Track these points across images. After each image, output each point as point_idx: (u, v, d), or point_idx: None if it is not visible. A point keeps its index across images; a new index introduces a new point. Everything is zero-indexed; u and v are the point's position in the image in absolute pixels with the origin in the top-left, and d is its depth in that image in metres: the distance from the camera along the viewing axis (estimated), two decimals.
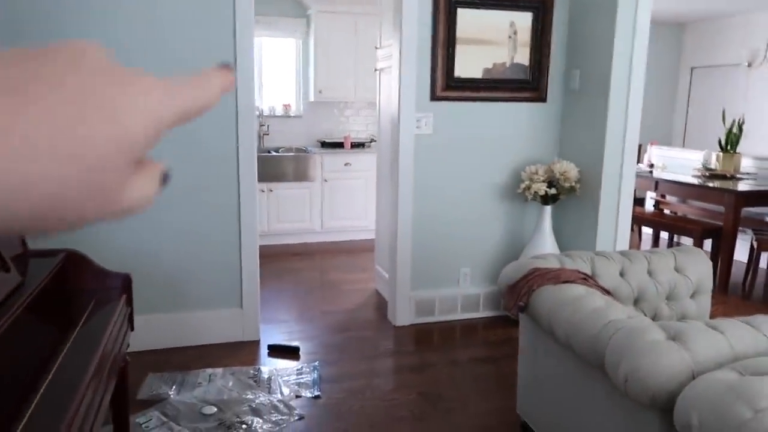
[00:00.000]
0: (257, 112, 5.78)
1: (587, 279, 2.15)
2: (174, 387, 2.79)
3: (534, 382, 2.27)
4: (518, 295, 2.15)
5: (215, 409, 2.59)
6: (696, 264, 2.45)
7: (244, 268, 3.29)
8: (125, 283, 1.96)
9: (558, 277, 2.12)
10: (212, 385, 2.82)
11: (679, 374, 1.48)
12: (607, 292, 2.13)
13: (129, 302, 1.98)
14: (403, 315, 3.64)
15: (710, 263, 2.48)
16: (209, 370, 2.96)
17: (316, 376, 2.94)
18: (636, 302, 2.39)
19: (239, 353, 3.20)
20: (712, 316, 2.60)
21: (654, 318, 2.40)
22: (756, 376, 1.30)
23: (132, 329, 2.04)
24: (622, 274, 2.38)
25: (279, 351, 3.25)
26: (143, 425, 2.47)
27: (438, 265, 3.69)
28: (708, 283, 2.46)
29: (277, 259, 5.15)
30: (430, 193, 3.59)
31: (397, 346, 3.36)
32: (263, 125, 5.83)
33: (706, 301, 2.46)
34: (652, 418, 1.58)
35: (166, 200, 3.11)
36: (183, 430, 2.43)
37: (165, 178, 0.31)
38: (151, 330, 3.20)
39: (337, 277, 4.69)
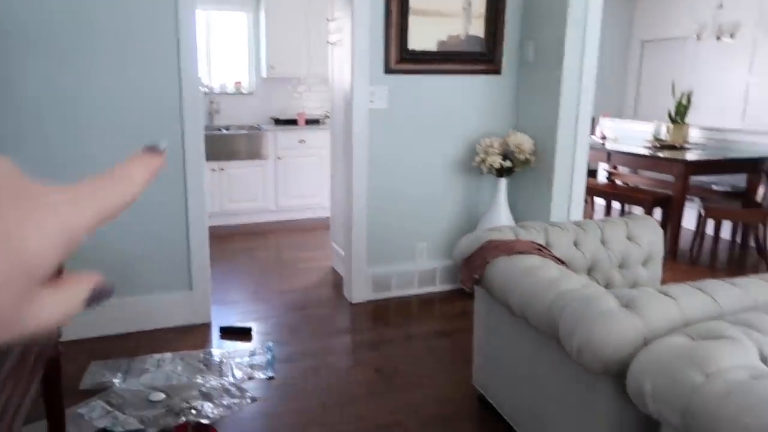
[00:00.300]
0: (206, 90, 5.58)
1: (541, 249, 2.13)
2: (119, 374, 2.67)
3: (490, 354, 2.24)
4: (473, 268, 2.11)
5: (163, 396, 2.49)
6: (647, 232, 2.46)
7: (193, 248, 3.16)
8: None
9: (512, 248, 2.08)
10: (160, 370, 2.71)
11: (631, 341, 1.46)
12: (561, 262, 2.11)
13: None
14: (360, 291, 3.58)
15: (661, 231, 2.49)
16: (157, 356, 2.84)
17: (269, 356, 2.86)
18: (589, 271, 2.39)
19: (189, 337, 3.09)
20: (663, 282, 2.63)
21: (607, 286, 2.40)
22: (707, 340, 1.29)
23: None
24: (575, 244, 2.37)
25: (231, 333, 3.15)
26: (86, 416, 2.35)
27: (394, 240, 3.64)
28: (659, 250, 2.47)
29: (231, 240, 5.01)
30: (385, 168, 3.52)
31: (353, 323, 3.30)
32: (213, 103, 5.63)
33: (657, 267, 2.48)
34: (605, 386, 1.57)
35: None
36: (128, 418, 2.32)
37: (98, 295, 0.30)
38: (93, 316, 3.05)
39: (292, 255, 4.59)
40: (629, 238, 2.44)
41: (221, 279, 4.00)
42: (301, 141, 5.43)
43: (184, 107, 2.99)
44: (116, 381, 2.61)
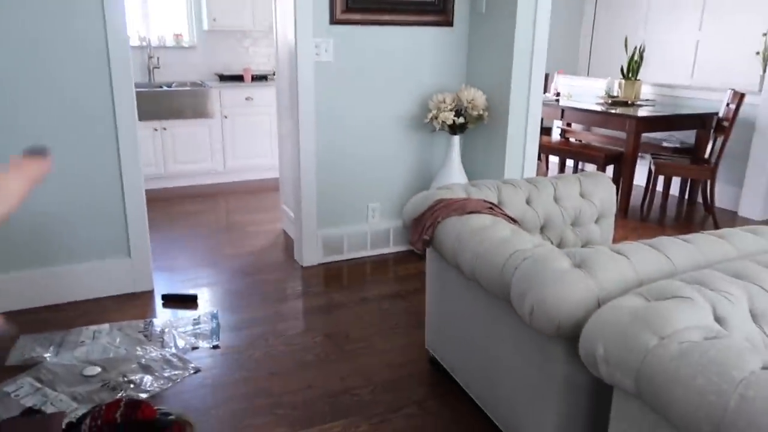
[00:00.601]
0: (143, 43, 5.24)
1: (493, 208, 2.05)
2: (51, 348, 2.50)
3: (442, 317, 2.18)
4: (422, 229, 2.02)
5: (99, 370, 2.35)
6: (600, 189, 2.41)
7: (129, 213, 2.97)
8: None
9: (463, 207, 2.00)
10: (96, 343, 2.55)
11: (584, 302, 1.40)
12: (513, 220, 2.04)
13: None
14: (311, 255, 3.47)
15: (614, 187, 2.45)
16: (93, 327, 2.68)
17: (214, 325, 2.74)
18: (542, 229, 2.33)
19: (130, 307, 2.92)
20: (615, 239, 2.61)
21: (560, 245, 2.36)
22: (660, 301, 1.23)
23: None
24: (528, 202, 2.30)
25: (174, 301, 3.01)
26: (12, 394, 2.19)
27: (345, 201, 3.52)
28: (611, 207, 2.43)
29: (176, 203, 4.79)
30: (334, 126, 3.37)
31: (303, 287, 3.20)
32: (152, 58, 5.29)
33: (609, 225, 2.45)
34: (558, 349, 1.51)
35: (28, 144, 2.71)
36: (60, 395, 2.17)
37: None
38: (23, 288, 2.85)
39: (242, 218, 4.42)
40: (582, 195, 2.39)
41: (165, 244, 3.82)
42: (248, 98, 5.18)
43: (111, 61, 2.75)
44: (47, 356, 2.44)
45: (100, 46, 2.72)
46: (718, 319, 1.21)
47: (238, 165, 5.30)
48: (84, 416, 1.80)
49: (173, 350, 2.51)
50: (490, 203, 2.10)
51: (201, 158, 5.15)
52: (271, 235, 4.05)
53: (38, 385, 2.25)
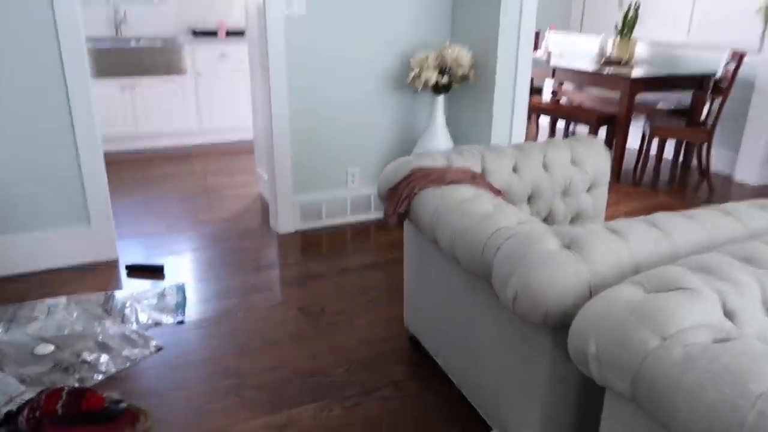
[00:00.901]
0: None
1: (476, 178, 1.87)
2: (1, 324, 2.33)
3: (420, 294, 2.02)
4: (398, 201, 1.84)
5: (52, 348, 2.18)
6: (593, 155, 2.24)
7: (86, 177, 2.76)
8: None
9: (442, 177, 1.81)
10: (51, 318, 2.38)
11: (574, 289, 1.24)
12: (497, 192, 1.86)
13: None
14: (287, 221, 3.29)
15: (607, 154, 2.27)
16: (49, 301, 2.50)
17: (180, 298, 2.57)
18: (530, 200, 2.16)
19: (90, 278, 2.75)
20: (608, 207, 2.45)
21: (548, 216, 2.19)
22: (662, 292, 1.07)
23: None
24: (515, 170, 2.12)
25: (140, 271, 2.83)
26: None
27: (323, 165, 3.32)
28: (605, 175, 2.26)
29: (148, 165, 4.57)
30: (308, 86, 3.14)
31: (279, 256, 3.03)
32: (118, 12, 4.96)
33: (602, 194, 2.28)
34: (544, 338, 1.36)
35: None
36: (6, 377, 2.01)
37: None
38: None
39: (217, 181, 4.22)
40: (573, 162, 2.21)
41: (134, 210, 3.61)
42: (223, 55, 4.90)
43: (57, 15, 2.49)
44: None
45: None
46: (727, 314, 1.06)
47: (213, 125, 5.05)
48: (22, 407, 1.64)
49: (134, 326, 2.35)
50: (473, 173, 1.92)
51: (174, 118, 4.89)
52: (247, 199, 3.86)
53: None
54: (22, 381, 1.99)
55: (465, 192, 1.74)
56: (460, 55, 3.10)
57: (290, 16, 2.97)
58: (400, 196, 1.85)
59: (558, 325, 1.28)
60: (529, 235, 1.38)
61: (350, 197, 3.43)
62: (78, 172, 2.74)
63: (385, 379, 2.04)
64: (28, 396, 1.89)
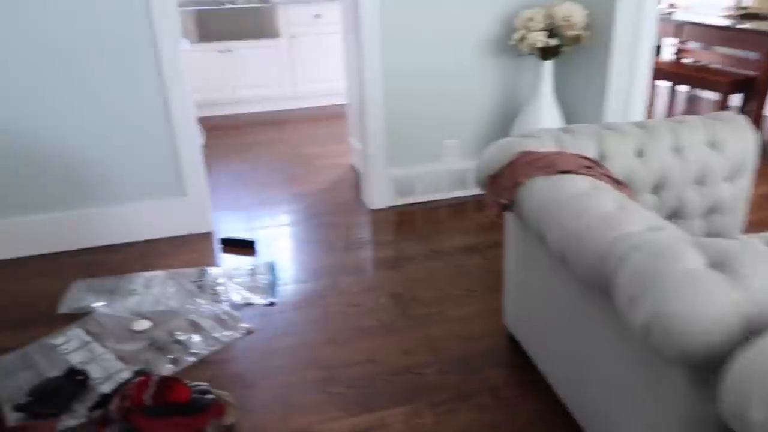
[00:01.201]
0: None
1: (593, 167, 1.62)
2: (104, 296, 2.39)
3: (523, 290, 1.83)
4: (500, 190, 1.63)
5: (148, 324, 2.21)
6: (735, 136, 1.90)
7: (181, 148, 2.75)
8: None
9: (553, 164, 1.58)
10: (148, 293, 2.42)
11: (726, 324, 1.00)
12: (620, 184, 1.61)
13: None
14: (379, 196, 3.16)
15: (753, 134, 1.92)
16: (147, 274, 2.54)
17: (271, 277, 2.53)
18: (656, 189, 1.88)
19: (186, 250, 2.77)
20: (752, 201, 2.11)
21: (678, 210, 1.90)
22: None
23: None
24: (639, 154, 1.84)
25: (232, 245, 2.82)
26: (60, 347, 2.09)
27: (418, 136, 3.13)
28: (749, 161, 1.92)
29: (242, 131, 4.59)
30: (403, 48, 2.93)
31: (371, 234, 2.91)
32: None
33: (745, 183, 1.94)
34: (680, 377, 1.14)
35: (54, 77, 2.51)
36: (106, 353, 2.05)
37: None
38: (77, 226, 2.76)
39: (310, 150, 4.16)
40: (711, 144, 1.89)
41: (228, 180, 3.63)
42: (317, 15, 4.77)
43: None
44: (99, 305, 2.33)
45: None
46: None
47: (308, 89, 4.98)
48: (114, 392, 1.64)
49: (226, 307, 2.33)
50: (589, 160, 1.67)
51: (268, 82, 4.86)
52: (340, 170, 3.76)
53: (87, 338, 2.15)
54: (120, 358, 2.03)
55: (580, 184, 1.50)
56: (573, 13, 2.76)
57: None
58: (503, 185, 1.64)
59: (703, 365, 1.05)
60: (664, 249, 1.15)
61: (447, 171, 3.23)
62: (172, 143, 2.74)
63: (481, 384, 1.88)
64: (124, 375, 1.92)
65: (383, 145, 3.07)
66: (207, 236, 2.91)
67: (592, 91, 2.91)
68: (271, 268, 2.60)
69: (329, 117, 4.89)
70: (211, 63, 4.64)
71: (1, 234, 2.67)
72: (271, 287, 2.46)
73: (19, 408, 1.74)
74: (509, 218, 1.84)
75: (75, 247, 2.78)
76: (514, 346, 2.03)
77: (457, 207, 3.18)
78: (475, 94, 3.13)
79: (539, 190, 1.54)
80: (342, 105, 5.12)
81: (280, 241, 2.87)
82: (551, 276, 1.61)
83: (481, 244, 2.78)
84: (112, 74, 2.56)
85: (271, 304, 2.35)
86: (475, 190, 3.31)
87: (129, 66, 2.56)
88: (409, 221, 3.04)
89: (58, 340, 2.14)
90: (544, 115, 2.93)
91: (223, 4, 4.77)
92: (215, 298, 2.39)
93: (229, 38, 4.64)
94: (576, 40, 2.83)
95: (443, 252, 2.71)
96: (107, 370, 1.98)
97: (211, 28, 4.56)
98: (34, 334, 2.18)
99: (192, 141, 2.76)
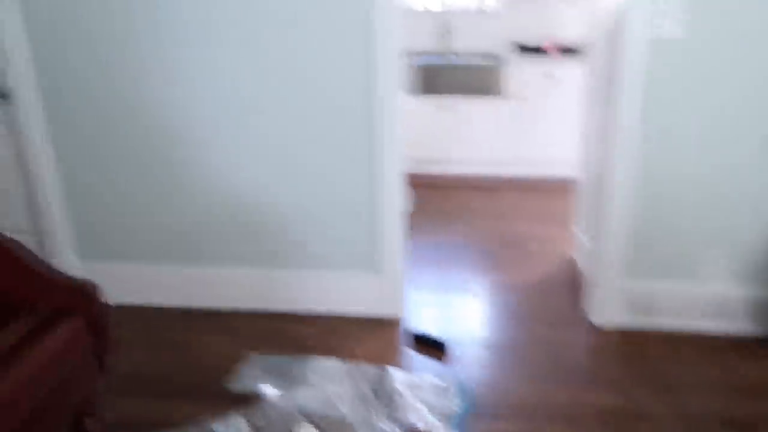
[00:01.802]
0: (440, 9, 4.68)
1: None
2: (277, 380, 2.13)
3: None
4: None
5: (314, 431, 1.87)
6: None
7: (382, 220, 2.42)
8: (86, 299, 1.20)
9: None
10: (321, 387, 2.09)
11: None
12: None
13: (96, 330, 1.23)
14: (608, 312, 2.51)
15: None
16: (325, 362, 2.22)
17: (463, 404, 2.04)
18: None
19: (371, 337, 2.43)
20: None
21: None
22: None
23: (104, 370, 1.32)
24: None
25: (422, 343, 2.41)
26: None
27: (669, 242, 2.42)
28: None
29: (451, 194, 4.23)
30: (670, 133, 2.27)
31: (592, 364, 2.29)
32: (446, 23, 4.69)
33: None
34: None
35: (272, 129, 2.35)
36: None
37: None
38: (258, 287, 2.59)
39: (523, 228, 3.62)
40: None
41: (428, 255, 3.25)
42: (548, 76, 4.25)
43: (373, 22, 2.17)
44: (270, 391, 2.07)
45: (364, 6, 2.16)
46: None
47: (530, 155, 4.45)
48: None
49: (399, 428, 1.90)
50: None
51: (487, 144, 4.45)
52: (557, 261, 3.16)
53: (248, 430, 1.88)
54: None
55: None
56: None
57: (658, 39, 2.15)
58: None
59: None
60: None
61: (703, 293, 2.46)
62: (372, 212, 2.43)
63: None
64: None
65: (621, 249, 2.43)
66: (395, 323, 2.54)
67: None
68: (463, 391, 2.10)
69: (549, 190, 4.30)
70: (429, 118, 4.39)
71: (184, 282, 2.60)
72: (459, 419, 1.97)
73: None
74: None
75: (252, 306, 2.59)
76: None
77: (714, 346, 2.38)
78: (756, 199, 2.34)
79: None
80: (566, 179, 4.50)
81: (477, 349, 2.38)
82: None
83: (754, 415, 1.98)
84: (327, 129, 2.35)
85: None
86: (747, 325, 2.46)
87: (340, 120, 2.33)
88: (644, 355, 2.33)
89: (219, 427, 1.90)
90: None
91: (450, 58, 4.49)
92: (391, 411, 1.98)
93: (451, 92, 4.35)
94: None
95: (694, 416, 1.98)
96: None
97: (433, 81, 4.32)
98: (197, 410, 1.97)
99: (395, 214, 2.42)
